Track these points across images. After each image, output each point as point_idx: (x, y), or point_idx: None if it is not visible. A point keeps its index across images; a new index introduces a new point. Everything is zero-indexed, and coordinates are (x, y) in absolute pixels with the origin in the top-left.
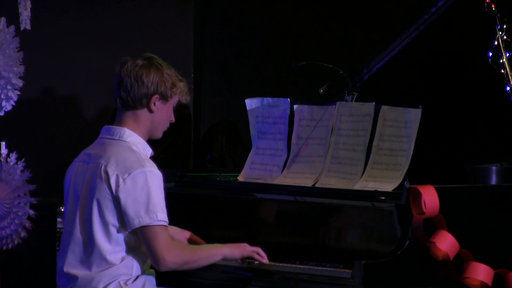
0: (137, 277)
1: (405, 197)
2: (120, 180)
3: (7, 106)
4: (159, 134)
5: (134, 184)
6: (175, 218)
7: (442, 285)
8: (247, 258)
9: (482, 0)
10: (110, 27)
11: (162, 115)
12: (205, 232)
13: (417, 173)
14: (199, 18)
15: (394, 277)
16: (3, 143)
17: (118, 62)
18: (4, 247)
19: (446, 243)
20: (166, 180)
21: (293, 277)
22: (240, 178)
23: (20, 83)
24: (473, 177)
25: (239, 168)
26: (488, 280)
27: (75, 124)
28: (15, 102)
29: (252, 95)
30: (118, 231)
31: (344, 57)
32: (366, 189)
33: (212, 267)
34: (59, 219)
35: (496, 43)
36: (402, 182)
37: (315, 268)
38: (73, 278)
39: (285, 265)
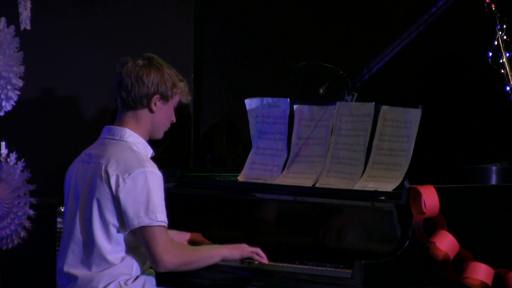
0: (137, 277)
1: (405, 197)
2: (120, 180)
3: (7, 106)
4: (160, 134)
5: (134, 184)
6: (175, 218)
7: (442, 285)
8: (247, 258)
9: (482, 0)
10: (110, 27)
11: (162, 115)
12: (205, 232)
13: (417, 173)
14: (199, 18)
15: (394, 277)
16: (3, 143)
17: (118, 62)
18: (4, 247)
19: (446, 243)
20: (166, 180)
21: (293, 277)
22: (240, 178)
23: (20, 83)
24: (473, 177)
25: (239, 168)
26: (488, 280)
27: (75, 124)
28: (15, 102)
29: (252, 95)
30: (118, 231)
31: (344, 57)
32: (366, 189)
33: (212, 267)
34: (59, 219)
35: (496, 43)
36: (402, 182)
37: (315, 268)
38: (73, 278)
39: (285, 265)
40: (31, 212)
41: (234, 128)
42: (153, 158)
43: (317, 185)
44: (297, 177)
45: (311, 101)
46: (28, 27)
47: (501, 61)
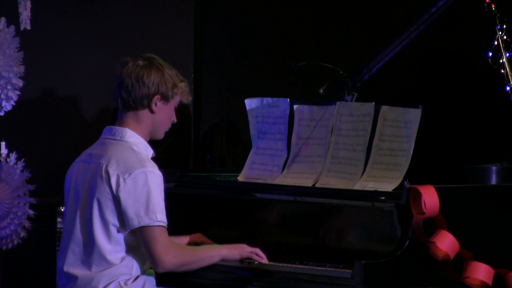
0: (137, 277)
1: (405, 197)
2: (121, 180)
3: (7, 106)
4: (161, 135)
5: (134, 184)
6: (175, 218)
7: (442, 285)
8: (247, 258)
9: (482, 0)
10: (110, 27)
11: (163, 115)
12: (205, 232)
13: (417, 173)
14: (199, 18)
15: (394, 277)
16: (3, 143)
17: (119, 63)
18: (4, 247)
19: (446, 243)
20: (166, 180)
21: (293, 277)
22: (240, 178)
23: (20, 83)
24: (473, 177)
25: (239, 168)
26: (489, 280)
27: (75, 124)
28: (15, 102)
29: (252, 95)
30: (118, 231)
31: (344, 57)
32: (366, 189)
33: (212, 267)
34: (59, 219)
35: (496, 43)
36: (402, 182)
37: (315, 268)
38: (73, 278)
39: (285, 265)
40: (31, 212)
41: (234, 128)
42: (153, 158)
43: (317, 185)
44: (297, 177)
45: (311, 101)
46: (28, 27)
47: (501, 61)
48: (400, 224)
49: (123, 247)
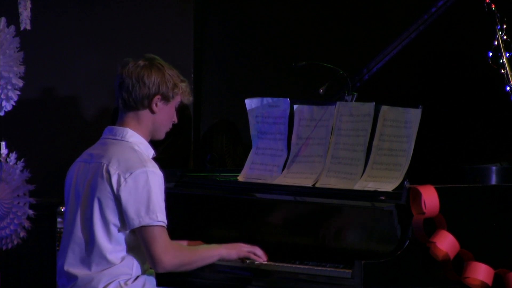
0: (137, 277)
1: (405, 197)
2: (122, 179)
3: (7, 106)
4: (161, 135)
5: (135, 184)
6: (175, 218)
7: (442, 285)
8: (245, 258)
9: (482, 0)
10: (110, 27)
11: (164, 115)
12: (205, 232)
13: (417, 173)
14: (199, 18)
15: (394, 277)
16: (3, 143)
17: (120, 63)
18: (4, 247)
19: (446, 243)
20: (166, 180)
21: (293, 277)
22: (240, 178)
23: (20, 83)
24: (473, 177)
25: (239, 168)
26: (488, 280)
27: (75, 124)
28: (15, 102)
29: (252, 95)
30: (119, 231)
31: (344, 57)
32: (366, 189)
33: (212, 268)
34: (59, 219)
35: (496, 43)
36: (402, 182)
37: (315, 268)
38: (73, 278)
39: (285, 265)
40: (30, 212)
41: (234, 128)
42: (153, 158)
43: (317, 185)
44: (297, 177)
45: (311, 101)
46: (28, 27)
47: (501, 61)
48: (400, 224)
49: (123, 246)
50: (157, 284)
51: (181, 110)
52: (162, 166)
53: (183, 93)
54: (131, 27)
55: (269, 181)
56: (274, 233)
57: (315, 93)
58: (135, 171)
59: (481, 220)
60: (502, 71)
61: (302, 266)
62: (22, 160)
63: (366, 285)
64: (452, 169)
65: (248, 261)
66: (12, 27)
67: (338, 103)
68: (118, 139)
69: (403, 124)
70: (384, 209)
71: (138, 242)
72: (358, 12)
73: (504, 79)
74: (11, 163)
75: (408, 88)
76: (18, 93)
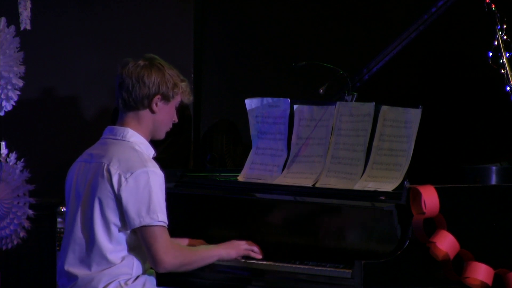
0: (137, 277)
1: (405, 197)
2: (123, 179)
3: (7, 106)
4: (162, 135)
5: (136, 184)
6: (175, 218)
7: (442, 285)
8: (244, 257)
9: (482, 0)
10: (110, 27)
11: (164, 115)
12: (205, 232)
13: (417, 173)
14: (199, 18)
15: (394, 277)
16: (3, 143)
17: (120, 63)
18: (4, 247)
19: (446, 243)
20: (166, 180)
21: (293, 277)
22: (240, 178)
23: (20, 83)
24: (473, 177)
25: (239, 168)
26: (488, 280)
27: (75, 124)
28: (15, 102)
29: (252, 95)
30: (119, 231)
31: (344, 57)
32: (366, 189)
33: (212, 268)
34: (59, 219)
35: (496, 43)
36: (402, 182)
37: (315, 268)
38: (73, 278)
39: (285, 265)
40: (30, 212)
41: (234, 128)
42: (153, 158)
43: (317, 185)
44: (297, 177)
45: (311, 101)
46: (28, 27)
47: (501, 61)
48: (400, 224)
49: (123, 246)
50: (157, 284)
51: (181, 110)
52: (162, 166)
53: (183, 93)
54: (131, 27)
55: (269, 181)
56: (274, 233)
57: (315, 93)
58: (136, 171)
59: (481, 220)
60: (502, 71)
61: (302, 266)
62: (22, 160)
63: (366, 285)
64: (452, 169)
65: (247, 261)
66: (12, 27)
67: (338, 103)
68: (118, 139)
69: (403, 124)
70: (384, 209)
71: (139, 242)
72: (358, 12)
73: (504, 79)
74: (11, 163)
75: (408, 88)
76: (18, 93)
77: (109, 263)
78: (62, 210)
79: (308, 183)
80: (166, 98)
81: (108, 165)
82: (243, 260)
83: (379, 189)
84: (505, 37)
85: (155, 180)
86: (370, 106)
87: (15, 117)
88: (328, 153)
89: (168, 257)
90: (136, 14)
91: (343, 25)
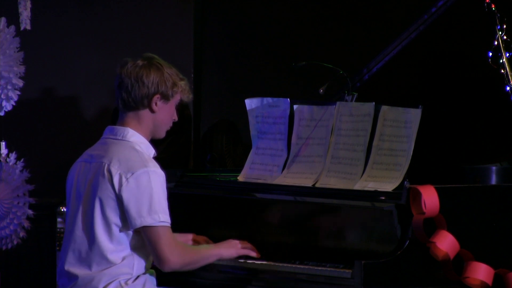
0: (138, 276)
1: (405, 197)
2: (123, 179)
3: (7, 106)
4: (162, 134)
5: (137, 184)
6: (175, 218)
7: (442, 285)
8: (243, 256)
9: (482, 0)
10: (110, 27)
11: (164, 114)
12: (205, 232)
13: (417, 173)
14: (199, 18)
15: (394, 277)
16: (3, 143)
17: (119, 63)
18: (4, 247)
19: (446, 243)
20: (166, 180)
21: (293, 277)
22: (240, 178)
23: (20, 83)
24: (473, 177)
25: (239, 168)
26: (489, 280)
27: (75, 124)
28: (15, 102)
29: (252, 95)
30: (120, 230)
31: (344, 57)
32: (366, 189)
33: (212, 268)
34: (59, 219)
35: (496, 43)
36: (402, 182)
37: (315, 268)
38: (73, 278)
39: (285, 265)
40: (30, 212)
41: (234, 128)
42: (153, 158)
43: (317, 185)
44: (297, 177)
45: (311, 101)
46: (28, 27)
47: (501, 61)
48: (400, 224)
49: (124, 246)
50: (158, 284)
51: (181, 110)
52: (162, 166)
53: (182, 91)
54: (131, 27)
55: (269, 181)
56: (274, 233)
57: (315, 93)
58: (136, 171)
59: (481, 220)
60: (502, 71)
61: (302, 266)
62: (22, 160)
63: (366, 285)
64: (452, 169)
65: (249, 261)
66: (12, 27)
67: (338, 103)
68: (119, 139)
69: (403, 124)
70: (384, 209)
71: (139, 242)
72: (358, 12)
73: (504, 79)
74: (11, 163)
75: (408, 88)
76: (18, 93)
77: (109, 263)
78: (62, 210)
79: (308, 183)
80: (165, 97)
81: (108, 165)
82: (243, 260)
83: (379, 189)
84: (505, 37)
85: (156, 180)
86: (370, 106)
87: (15, 117)
88: (328, 153)
89: (174, 256)
90: (136, 14)
91: (343, 25)
